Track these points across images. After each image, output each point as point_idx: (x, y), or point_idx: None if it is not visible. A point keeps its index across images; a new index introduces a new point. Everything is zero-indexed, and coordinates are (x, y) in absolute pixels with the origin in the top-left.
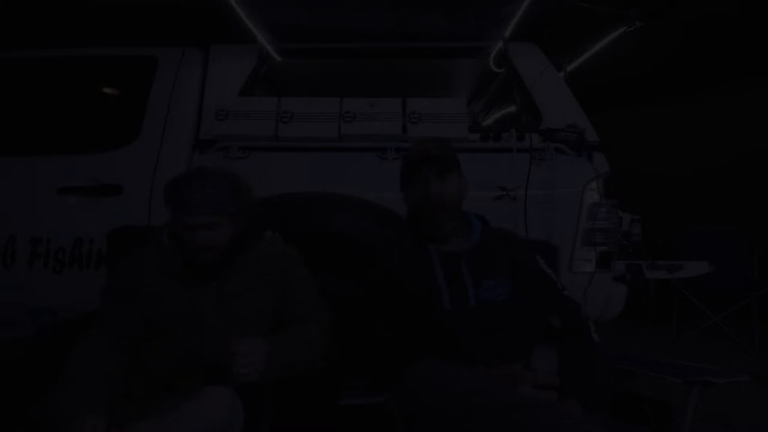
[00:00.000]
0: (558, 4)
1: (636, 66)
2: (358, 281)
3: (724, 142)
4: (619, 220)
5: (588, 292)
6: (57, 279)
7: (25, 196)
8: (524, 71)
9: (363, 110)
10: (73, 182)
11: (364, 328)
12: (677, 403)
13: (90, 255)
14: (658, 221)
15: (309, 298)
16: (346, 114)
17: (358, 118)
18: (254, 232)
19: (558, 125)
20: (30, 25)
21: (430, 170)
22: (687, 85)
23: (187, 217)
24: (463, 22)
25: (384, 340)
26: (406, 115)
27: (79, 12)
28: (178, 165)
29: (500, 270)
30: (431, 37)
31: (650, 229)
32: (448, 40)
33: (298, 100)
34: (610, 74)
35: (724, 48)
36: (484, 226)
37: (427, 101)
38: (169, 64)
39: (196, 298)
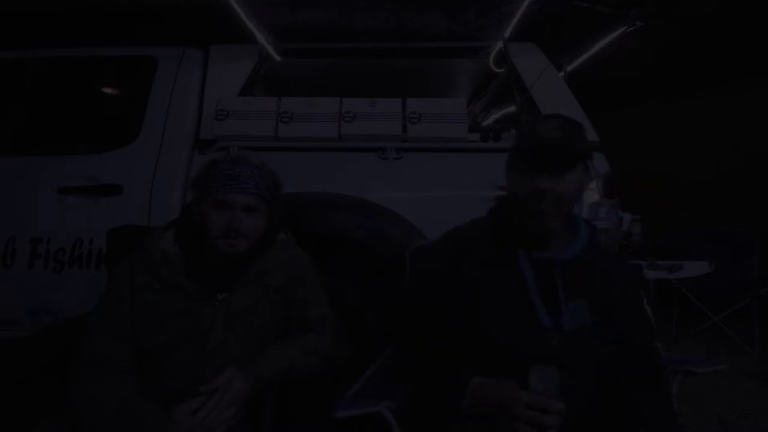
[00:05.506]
0: (558, 4)
1: (636, 66)
2: (358, 284)
3: (724, 142)
4: (619, 220)
5: None
6: (57, 279)
7: (25, 196)
8: (524, 71)
9: (363, 110)
10: (73, 182)
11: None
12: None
13: (90, 255)
14: (658, 221)
15: (317, 307)
16: (346, 114)
17: (358, 118)
18: (272, 234)
19: None
20: (30, 25)
21: (547, 162)
22: (687, 84)
23: (232, 195)
24: (463, 22)
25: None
26: (406, 115)
27: (79, 12)
28: (178, 165)
29: (589, 293)
30: (431, 37)
31: (650, 229)
32: (448, 40)
33: (298, 100)
34: (610, 74)
35: (724, 48)
36: (592, 237)
37: (427, 101)
38: (169, 64)
39: (201, 315)
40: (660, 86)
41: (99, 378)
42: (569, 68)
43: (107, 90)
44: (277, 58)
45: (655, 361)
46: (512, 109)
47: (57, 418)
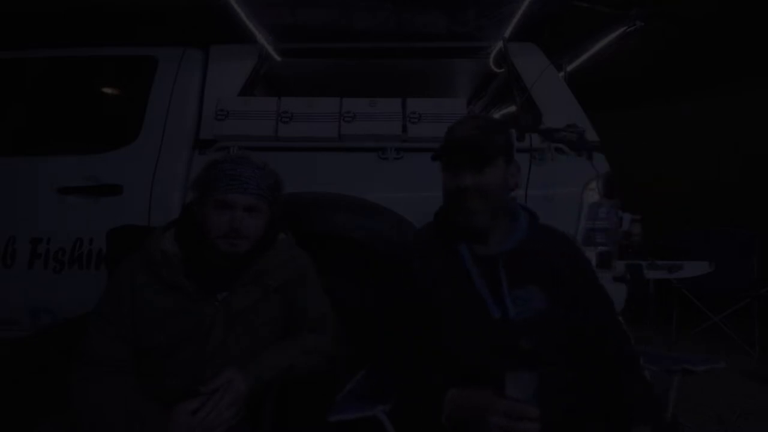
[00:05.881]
0: (558, 4)
1: (636, 66)
2: (359, 284)
3: (724, 142)
4: (619, 220)
5: None
6: (57, 279)
7: (25, 196)
8: (524, 71)
9: (363, 110)
10: (73, 182)
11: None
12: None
13: (90, 255)
14: (658, 221)
15: (317, 307)
16: (346, 114)
17: (358, 118)
18: (273, 234)
19: (558, 125)
20: (30, 25)
21: (465, 160)
22: (687, 84)
23: (233, 195)
24: (463, 22)
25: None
26: (406, 115)
27: (79, 12)
28: (178, 165)
29: (538, 279)
30: (431, 37)
31: (650, 229)
32: (448, 40)
33: (298, 100)
34: (610, 74)
35: (724, 48)
36: (532, 224)
37: (427, 101)
38: (169, 64)
39: (201, 315)
40: (660, 86)
41: (99, 378)
42: (569, 68)
43: (107, 90)
44: (277, 58)
45: (618, 332)
46: (512, 109)
47: (57, 418)
